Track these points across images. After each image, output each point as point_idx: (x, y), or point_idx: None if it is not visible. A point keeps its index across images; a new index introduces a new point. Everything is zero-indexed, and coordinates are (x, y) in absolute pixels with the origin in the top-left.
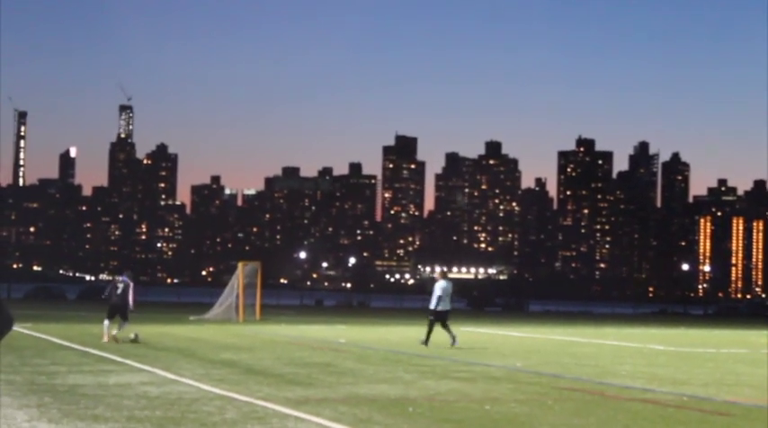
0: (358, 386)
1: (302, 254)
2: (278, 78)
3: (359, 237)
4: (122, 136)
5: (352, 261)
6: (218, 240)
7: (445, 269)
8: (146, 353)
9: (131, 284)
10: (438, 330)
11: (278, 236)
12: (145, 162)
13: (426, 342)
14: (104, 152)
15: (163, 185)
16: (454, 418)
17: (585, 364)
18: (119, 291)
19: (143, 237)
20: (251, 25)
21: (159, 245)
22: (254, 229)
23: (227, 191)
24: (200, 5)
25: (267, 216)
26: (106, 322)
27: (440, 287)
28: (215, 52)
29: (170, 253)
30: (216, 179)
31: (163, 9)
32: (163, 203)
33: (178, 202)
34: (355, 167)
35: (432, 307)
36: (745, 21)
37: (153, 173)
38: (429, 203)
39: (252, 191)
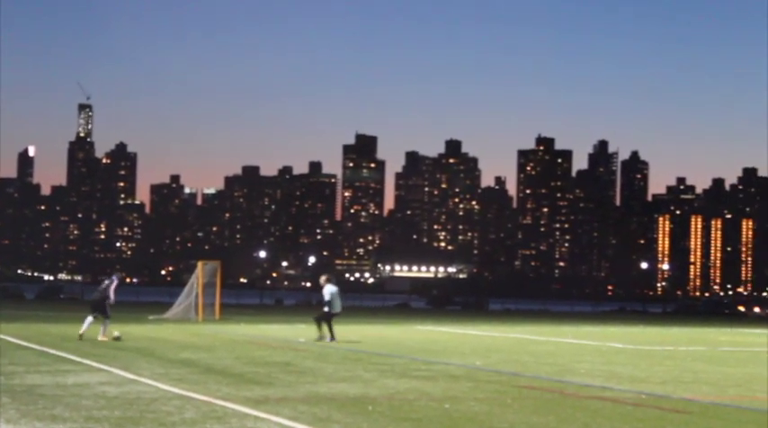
0: (317, 385)
1: (262, 254)
2: (237, 77)
3: (319, 236)
4: (81, 135)
5: (311, 260)
6: (177, 239)
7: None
8: (104, 353)
9: (115, 281)
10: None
11: (237, 236)
12: (104, 161)
13: (332, 337)
14: (63, 151)
15: (122, 184)
16: (414, 417)
17: (545, 362)
18: (101, 287)
19: (102, 237)
20: (209, 25)
21: (118, 244)
22: (214, 228)
23: (187, 191)
24: (159, 5)
25: (227, 215)
26: (89, 318)
27: (329, 291)
28: (174, 52)
29: (129, 252)
30: (175, 178)
31: (122, 8)
32: (122, 202)
33: (137, 201)
34: (315, 166)
35: (326, 310)
36: (702, 23)
37: (112, 172)
38: (389, 202)
39: (211, 191)
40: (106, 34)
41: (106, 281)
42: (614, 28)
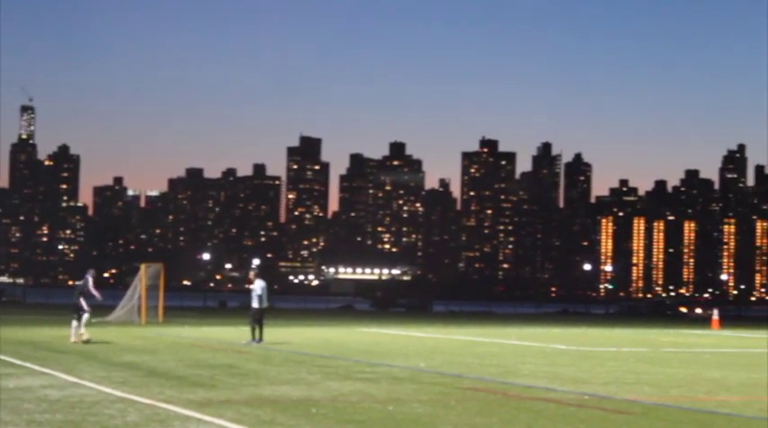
0: (261, 387)
1: (206, 256)
2: (181, 79)
3: (263, 238)
4: (23, 137)
5: (255, 262)
6: (120, 242)
7: (258, 262)
8: (46, 356)
9: (89, 280)
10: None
11: (181, 238)
12: (46, 163)
13: (261, 338)
14: (5, 153)
15: (65, 186)
16: (357, 419)
17: (488, 364)
18: (77, 290)
19: (44, 239)
20: (152, 27)
21: (61, 246)
22: (157, 231)
23: (130, 193)
24: (101, 6)
25: (170, 217)
26: (74, 323)
27: (259, 286)
28: (117, 54)
29: (72, 254)
30: (118, 180)
31: (65, 10)
32: (65, 205)
33: (80, 204)
34: (259, 168)
35: (256, 305)
36: (644, 22)
37: (54, 174)
38: (333, 204)
39: (155, 193)
40: (49, 36)
41: (79, 283)
42: (557, 30)
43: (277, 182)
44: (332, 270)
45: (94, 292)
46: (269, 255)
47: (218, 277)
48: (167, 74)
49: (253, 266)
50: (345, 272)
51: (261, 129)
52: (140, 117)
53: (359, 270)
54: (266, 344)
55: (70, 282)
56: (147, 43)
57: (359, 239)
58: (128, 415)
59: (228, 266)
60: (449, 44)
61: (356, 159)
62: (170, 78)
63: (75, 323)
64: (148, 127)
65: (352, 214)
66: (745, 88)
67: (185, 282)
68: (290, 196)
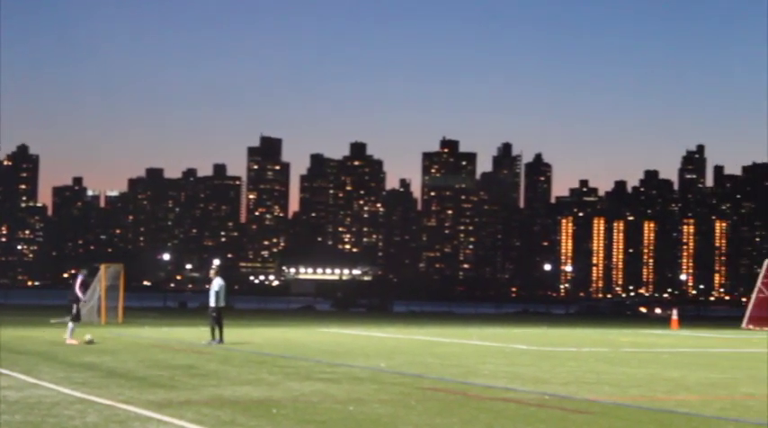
0: (221, 388)
1: (166, 256)
2: (140, 78)
3: (223, 239)
4: None
5: (216, 262)
6: (80, 242)
7: (218, 262)
8: (5, 357)
9: (79, 278)
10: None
11: (141, 238)
12: (5, 163)
13: (221, 339)
14: None
15: (24, 187)
16: (318, 419)
17: (449, 364)
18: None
19: (3, 240)
20: (112, 27)
21: (20, 247)
22: (117, 231)
23: (90, 193)
24: (61, 6)
25: (130, 217)
26: (70, 324)
27: (218, 284)
28: (76, 53)
29: (31, 255)
30: (78, 180)
31: (23, 6)
32: (24, 205)
33: (39, 204)
34: (219, 168)
35: (213, 304)
36: (603, 22)
37: (13, 174)
38: (294, 204)
39: (115, 193)
40: (6, 36)
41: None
42: (518, 30)
43: (237, 183)
44: (292, 270)
45: (80, 293)
46: (229, 256)
47: (178, 277)
48: (127, 74)
49: (213, 265)
50: (306, 273)
51: (221, 130)
52: (100, 117)
53: (319, 270)
54: (227, 345)
55: (29, 283)
56: (107, 43)
57: (319, 239)
58: (87, 416)
59: (189, 266)
60: (408, 44)
61: (317, 159)
62: (130, 78)
63: (71, 324)
64: (108, 127)
65: (313, 214)
66: (704, 89)
67: (145, 283)
68: (251, 196)
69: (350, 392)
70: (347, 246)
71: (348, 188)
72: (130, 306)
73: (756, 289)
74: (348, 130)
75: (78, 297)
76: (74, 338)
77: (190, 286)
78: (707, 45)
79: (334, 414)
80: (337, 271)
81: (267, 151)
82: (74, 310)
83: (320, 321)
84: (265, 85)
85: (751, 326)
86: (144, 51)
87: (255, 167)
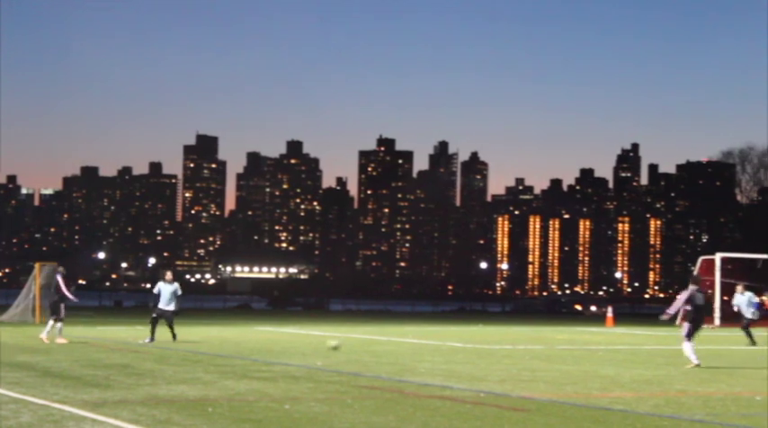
0: (157, 387)
1: (101, 255)
2: (75, 75)
3: (159, 237)
4: None
5: (152, 261)
6: (14, 241)
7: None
8: None
9: (58, 278)
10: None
11: (76, 237)
12: None
13: (152, 338)
14: None
15: None
16: (254, 418)
17: (385, 362)
18: (51, 289)
19: None
20: (46, 22)
21: None
22: (52, 230)
23: (24, 191)
24: None
25: (65, 216)
26: (50, 322)
27: (173, 286)
28: (10, 48)
29: None
30: (12, 178)
31: None
32: None
33: None
34: (155, 167)
35: (164, 307)
36: (536, 21)
37: None
38: (230, 203)
39: (49, 191)
40: None
41: (53, 283)
42: (452, 28)
43: (173, 181)
44: (228, 269)
45: (67, 293)
46: (165, 254)
47: (113, 276)
48: (61, 71)
49: (169, 270)
50: (242, 271)
51: (157, 127)
52: (34, 114)
53: (256, 268)
54: (162, 343)
55: None
56: (41, 39)
57: (256, 238)
58: (21, 416)
59: (124, 265)
60: (345, 42)
61: (253, 157)
62: (64, 75)
63: (51, 322)
64: (43, 124)
65: (249, 212)
66: (639, 88)
67: (80, 281)
68: (187, 195)
69: (286, 391)
70: (284, 245)
71: (284, 186)
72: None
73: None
74: (284, 129)
75: (66, 296)
76: (52, 337)
77: (125, 285)
78: (641, 45)
79: (270, 413)
80: (274, 269)
81: (203, 149)
82: (62, 310)
83: (257, 320)
84: (201, 83)
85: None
86: (78, 49)
87: (191, 166)
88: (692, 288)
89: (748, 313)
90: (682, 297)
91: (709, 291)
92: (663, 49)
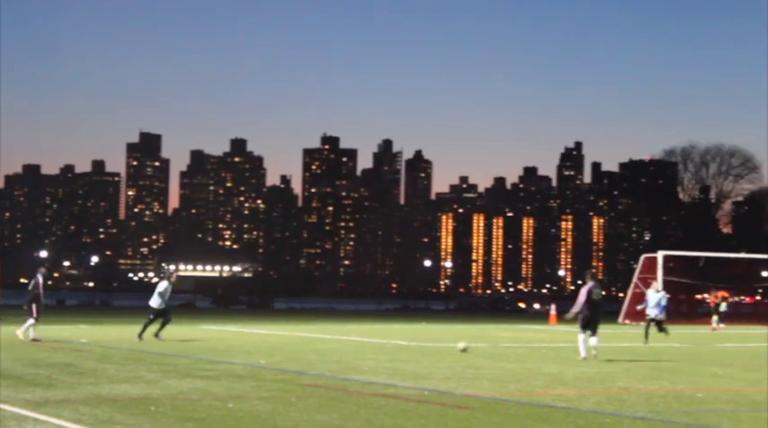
0: (99, 386)
1: (43, 253)
2: (17, 73)
3: (102, 236)
4: None
5: (94, 259)
6: None
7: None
8: None
9: (39, 279)
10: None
11: (18, 235)
12: None
13: (141, 335)
14: None
15: None
16: (197, 417)
17: (329, 360)
18: (29, 288)
19: None
20: None
21: None
22: None
23: None
24: None
25: (7, 214)
26: (30, 320)
27: (162, 285)
28: None
29: None
30: None
31: None
32: None
33: None
34: (98, 165)
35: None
36: (479, 21)
37: None
38: (174, 201)
39: None
40: None
41: (32, 281)
42: (396, 27)
43: (116, 179)
44: (172, 267)
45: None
46: (108, 253)
47: (56, 275)
48: (3, 68)
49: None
50: (186, 269)
51: (99, 125)
52: None
53: (199, 267)
54: (105, 342)
55: None
56: None
57: (200, 236)
58: None
59: (67, 264)
60: (288, 39)
61: (197, 155)
62: (6, 72)
63: (31, 320)
64: None
65: (193, 211)
66: (582, 86)
67: (22, 280)
68: (130, 193)
69: (229, 389)
70: (227, 243)
71: (228, 184)
72: (6, 303)
73: (633, 285)
74: (228, 126)
75: (41, 296)
76: (27, 334)
77: (67, 283)
78: (583, 43)
79: (214, 412)
80: (218, 267)
81: (146, 147)
82: (34, 310)
83: (200, 318)
84: (145, 81)
85: (627, 321)
86: (19, 46)
87: (135, 163)
88: (590, 283)
89: (652, 311)
90: (582, 292)
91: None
92: (605, 47)
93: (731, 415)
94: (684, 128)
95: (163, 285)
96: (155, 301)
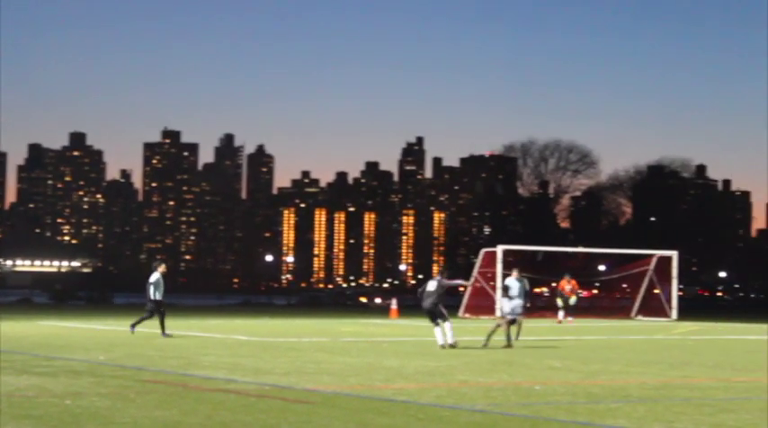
0: None
1: None
2: None
3: None
4: None
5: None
6: None
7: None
8: None
9: None
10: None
11: None
12: None
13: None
14: None
15: None
16: (34, 414)
17: (169, 356)
18: None
19: None
20: None
21: None
22: None
23: None
24: None
25: None
26: None
27: (154, 277)
28: None
29: None
30: None
31: None
32: None
33: None
34: None
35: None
36: (329, 14)
37: None
38: (11, 195)
39: None
40: None
41: None
42: (238, 22)
43: None
44: (9, 262)
45: None
46: None
47: None
48: None
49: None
50: (23, 265)
51: None
52: None
53: (37, 262)
54: None
55: None
56: None
57: (38, 231)
58: None
59: None
60: (129, 32)
61: (35, 149)
62: None
63: None
64: None
65: (31, 205)
66: (423, 81)
67: None
68: None
69: (67, 386)
70: (66, 238)
71: (67, 178)
72: None
73: (472, 279)
74: (67, 120)
75: None
76: None
77: None
78: (423, 36)
79: (51, 409)
80: (56, 263)
81: None
82: None
83: (38, 314)
84: None
85: (467, 315)
86: None
87: None
88: (437, 277)
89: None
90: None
91: (491, 283)
92: (446, 40)
93: (567, 407)
94: (524, 124)
95: (155, 276)
96: (156, 294)
